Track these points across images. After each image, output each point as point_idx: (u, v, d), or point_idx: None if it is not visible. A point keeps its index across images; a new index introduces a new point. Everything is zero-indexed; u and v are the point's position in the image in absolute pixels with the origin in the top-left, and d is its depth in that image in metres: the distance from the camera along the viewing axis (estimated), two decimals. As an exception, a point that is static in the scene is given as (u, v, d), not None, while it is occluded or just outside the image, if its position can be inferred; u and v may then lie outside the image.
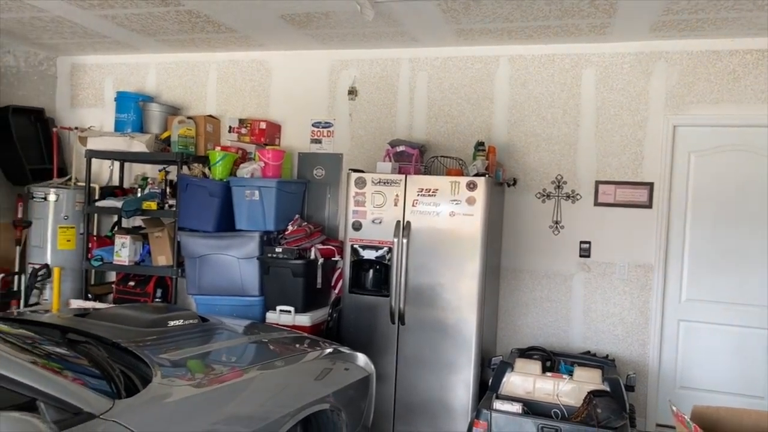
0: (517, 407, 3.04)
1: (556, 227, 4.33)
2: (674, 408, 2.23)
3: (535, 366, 3.41)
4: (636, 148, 4.18)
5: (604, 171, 4.24)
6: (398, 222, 3.84)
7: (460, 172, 3.93)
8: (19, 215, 5.05)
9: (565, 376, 3.32)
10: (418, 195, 3.80)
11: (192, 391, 2.01)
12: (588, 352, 4.06)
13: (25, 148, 5.01)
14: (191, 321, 2.87)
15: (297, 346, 2.98)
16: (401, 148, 4.18)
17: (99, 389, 1.74)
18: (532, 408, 3.18)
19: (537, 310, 4.38)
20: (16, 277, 4.89)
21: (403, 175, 3.86)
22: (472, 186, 3.70)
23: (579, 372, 3.35)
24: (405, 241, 3.81)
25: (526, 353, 3.78)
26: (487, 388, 3.56)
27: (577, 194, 4.29)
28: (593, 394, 3.00)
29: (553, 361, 3.69)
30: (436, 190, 3.77)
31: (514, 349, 4.03)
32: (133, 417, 1.69)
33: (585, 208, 4.27)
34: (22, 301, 4.74)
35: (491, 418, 2.98)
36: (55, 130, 5.28)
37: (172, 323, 2.74)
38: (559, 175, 4.32)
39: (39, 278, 4.81)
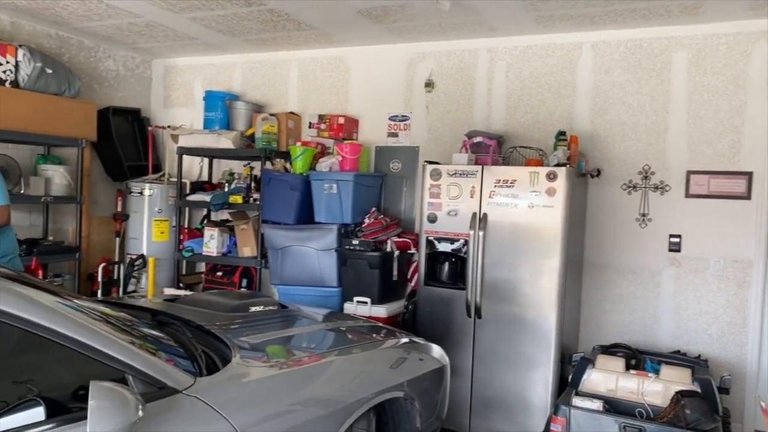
0: (597, 404, 2.92)
1: (643, 220, 4.12)
2: (763, 403, 2.07)
3: (619, 363, 3.26)
4: (733, 136, 3.90)
5: (697, 160, 3.99)
6: (474, 214, 3.79)
7: (540, 163, 3.82)
8: (119, 209, 5.43)
9: (650, 374, 3.16)
10: (496, 186, 3.74)
11: (269, 372, 2.08)
12: (677, 352, 3.83)
13: (123, 146, 5.37)
14: (271, 307, 2.98)
15: (373, 335, 3.02)
16: (478, 139, 4.12)
17: (182, 367, 1.84)
18: (613, 406, 3.04)
19: (622, 306, 4.19)
20: (115, 266, 5.26)
21: (480, 166, 3.81)
22: (552, 176, 3.59)
23: (666, 371, 3.17)
24: (481, 233, 3.76)
25: (609, 350, 3.62)
26: (566, 385, 3.45)
27: (666, 185, 4.06)
28: (681, 394, 2.83)
29: (638, 360, 3.51)
30: (515, 181, 3.69)
31: (596, 345, 3.88)
32: (213, 393, 1.78)
33: (675, 200, 4.04)
34: (120, 289, 5.09)
35: (570, 414, 2.88)
36: (150, 128, 5.63)
37: (253, 309, 2.86)
38: (647, 165, 4.11)
39: (136, 268, 5.15)
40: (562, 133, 4.00)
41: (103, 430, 1.34)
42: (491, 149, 4.06)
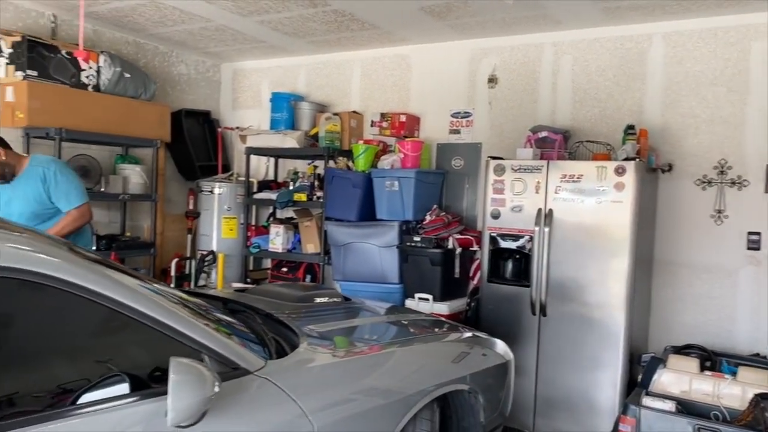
0: (669, 405, 2.81)
1: (719, 216, 3.94)
2: None
3: (692, 364, 3.13)
4: (819, 127, 3.67)
5: (778, 153, 3.78)
6: (539, 210, 3.73)
7: (608, 157, 3.73)
8: (190, 207, 5.66)
9: (727, 376, 3.01)
10: (561, 181, 3.67)
11: (334, 360, 2.13)
12: (757, 355, 3.64)
13: (195, 147, 5.60)
14: (335, 299, 3.04)
15: (435, 329, 3.02)
16: (543, 134, 4.05)
17: (253, 350, 1.91)
18: (686, 408, 2.92)
19: (695, 307, 4.01)
20: (187, 261, 5.49)
21: (545, 161, 3.74)
22: (620, 171, 3.49)
23: (744, 373, 3.02)
24: (547, 229, 3.70)
25: (682, 351, 3.48)
26: (635, 387, 3.34)
27: (745, 180, 3.87)
28: (761, 397, 2.69)
29: (713, 361, 3.36)
30: (581, 176, 3.61)
31: (668, 346, 3.74)
32: (282, 376, 1.84)
33: (754, 196, 3.84)
34: (192, 283, 5.30)
35: (640, 414, 2.79)
36: (219, 130, 5.85)
37: (318, 300, 2.93)
38: (723, 160, 3.93)
39: (206, 263, 5.36)
40: (630, 127, 3.88)
41: (183, 403, 1.41)
42: (557, 144, 3.99)
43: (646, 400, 2.87)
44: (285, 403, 1.78)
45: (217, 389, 1.47)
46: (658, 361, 3.21)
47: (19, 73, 4.16)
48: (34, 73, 4.19)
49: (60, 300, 1.57)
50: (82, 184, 3.65)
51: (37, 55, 4.21)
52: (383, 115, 4.98)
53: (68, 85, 4.39)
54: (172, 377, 1.41)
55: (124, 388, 1.55)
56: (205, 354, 1.68)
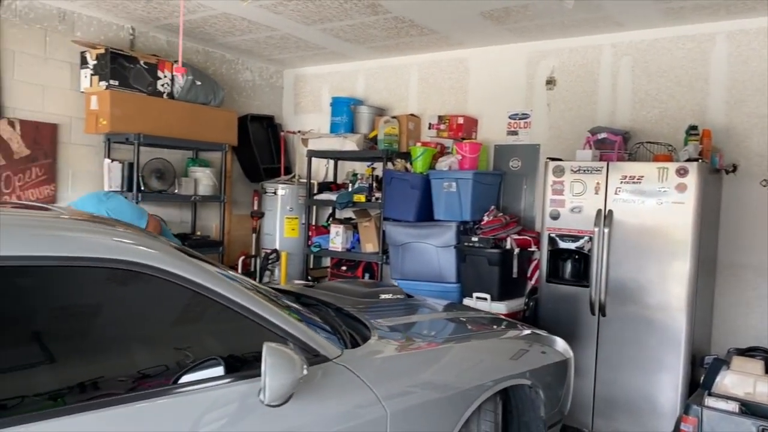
0: (733, 406, 2.81)
1: (787, 218, 3.86)
2: None
3: (757, 365, 3.10)
4: None
5: None
6: (599, 211, 3.76)
7: (669, 158, 3.72)
8: (255, 207, 5.92)
9: (795, 379, 2.97)
10: (621, 182, 3.68)
11: (404, 351, 2.26)
12: (827, 360, 3.55)
13: (259, 150, 5.85)
14: (399, 296, 3.17)
15: (494, 326, 3.11)
16: (603, 135, 4.07)
17: (330, 340, 2.06)
18: (751, 409, 2.90)
19: (761, 309, 3.94)
20: (252, 259, 5.74)
21: (605, 162, 3.77)
22: (682, 172, 3.48)
23: (813, 377, 2.97)
24: (606, 230, 3.72)
25: (746, 353, 3.44)
26: (697, 388, 3.33)
27: (814, 181, 3.78)
28: (831, 401, 2.66)
29: (780, 364, 3.31)
30: (642, 177, 3.62)
31: (731, 348, 3.69)
32: (358, 365, 1.98)
33: (824, 197, 3.75)
34: (257, 280, 5.54)
35: (702, 414, 2.80)
36: (282, 134, 6.09)
37: (382, 296, 3.06)
38: (791, 160, 3.85)
39: (270, 261, 5.59)
40: (693, 128, 3.85)
41: (277, 383, 1.57)
42: (616, 145, 4.00)
43: (709, 401, 2.87)
44: (361, 389, 1.91)
45: (305, 372, 1.62)
46: (721, 363, 3.19)
47: (103, 83, 4.48)
48: (116, 83, 4.50)
49: (160, 289, 1.75)
50: (131, 203, 3.82)
51: (119, 65, 4.52)
52: (441, 118, 5.08)
53: (146, 93, 4.70)
54: (268, 360, 1.57)
55: (219, 370, 1.71)
56: (290, 341, 1.84)
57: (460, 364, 2.41)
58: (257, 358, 1.73)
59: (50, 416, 1.43)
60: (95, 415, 1.48)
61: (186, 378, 1.70)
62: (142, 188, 4.75)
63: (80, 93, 4.64)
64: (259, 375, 1.67)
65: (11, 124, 4.26)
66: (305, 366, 1.64)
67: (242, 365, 1.77)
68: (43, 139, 4.45)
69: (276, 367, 1.57)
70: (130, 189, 4.72)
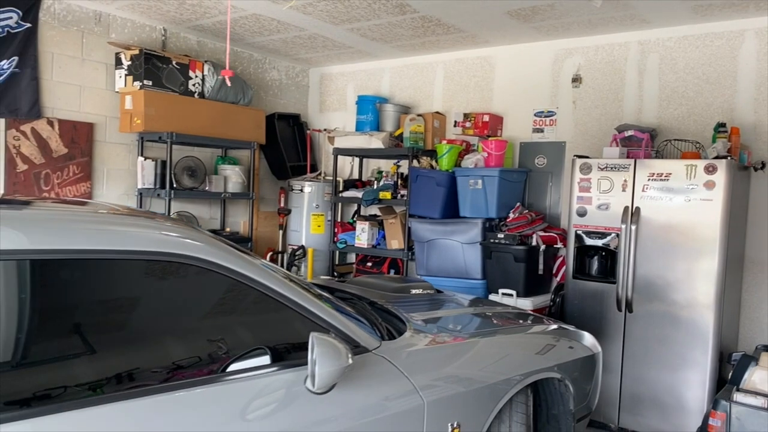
0: (762, 401, 2.83)
1: (817, 215, 3.85)
2: None
3: (787, 363, 3.11)
4: None
5: None
6: (626, 208, 3.78)
7: (697, 156, 3.73)
8: (282, 204, 6.02)
9: (825, 376, 2.98)
10: (649, 180, 3.70)
11: (438, 344, 2.33)
12: None
13: (286, 148, 5.95)
14: (429, 291, 3.24)
15: (520, 321, 3.15)
16: (630, 133, 4.09)
17: (369, 332, 2.14)
18: (781, 405, 2.92)
19: (790, 307, 3.94)
20: (279, 255, 5.85)
21: (632, 160, 3.79)
22: (710, 169, 3.49)
23: (844, 374, 2.98)
24: (634, 227, 3.74)
25: (776, 350, 3.45)
26: (725, 385, 3.34)
27: None
28: None
29: (810, 362, 3.31)
30: (669, 174, 3.63)
31: (759, 345, 3.69)
32: (395, 356, 2.05)
33: None
34: (284, 276, 5.64)
35: (731, 410, 2.83)
36: (308, 132, 6.18)
37: (413, 291, 3.13)
38: (821, 157, 3.83)
39: (296, 257, 5.70)
40: (721, 125, 3.86)
41: (325, 371, 1.64)
42: (644, 143, 4.02)
43: (738, 396, 2.89)
44: (399, 379, 1.99)
45: (350, 361, 1.70)
46: (750, 359, 3.20)
47: (137, 83, 4.61)
48: (149, 83, 4.63)
49: (209, 280, 1.83)
50: None
51: (152, 66, 4.65)
52: (466, 116, 5.13)
53: (178, 92, 4.82)
54: (316, 349, 1.64)
55: (266, 359, 1.80)
56: (332, 332, 1.91)
57: (492, 358, 2.47)
58: (301, 348, 1.82)
59: (116, 399, 1.52)
60: (153, 400, 1.57)
61: (234, 366, 1.78)
62: (174, 185, 4.87)
63: (115, 93, 4.77)
64: (304, 364, 1.75)
65: (50, 123, 4.41)
66: (350, 355, 1.71)
67: (287, 354, 1.85)
68: (80, 137, 4.59)
69: (324, 355, 1.65)
70: (162, 186, 4.84)
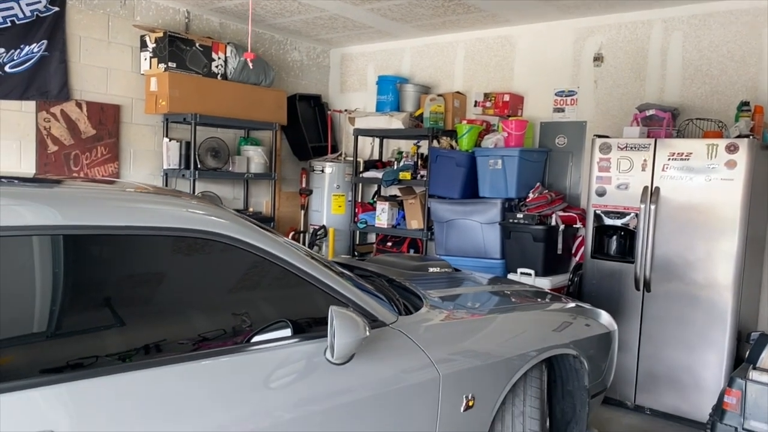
0: (778, 380, 2.84)
1: (842, 195, 3.80)
2: None
3: (805, 342, 3.11)
4: None
5: None
6: (646, 188, 3.78)
7: (719, 135, 3.70)
8: (303, 185, 6.11)
9: (843, 356, 2.98)
10: (669, 159, 3.69)
11: (454, 320, 2.39)
12: None
13: (307, 129, 6.01)
14: (446, 269, 3.30)
15: (537, 299, 3.20)
16: (651, 112, 4.06)
17: (386, 307, 2.21)
18: (797, 384, 2.93)
19: (812, 288, 3.92)
20: (301, 235, 5.95)
21: (653, 139, 3.77)
22: (732, 149, 3.47)
23: None
24: (653, 207, 3.74)
25: (795, 331, 3.44)
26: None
27: None
28: None
29: (829, 342, 3.30)
30: (690, 153, 3.62)
31: (779, 325, 3.70)
32: (412, 330, 2.12)
33: None
34: (306, 255, 5.74)
35: (746, 387, 2.85)
36: (329, 112, 6.23)
37: (431, 269, 3.20)
38: None
39: (318, 237, 5.79)
40: (745, 104, 3.81)
41: (343, 342, 1.72)
42: (665, 122, 3.99)
43: (754, 374, 2.91)
44: (416, 352, 2.06)
45: (368, 333, 1.77)
46: (767, 338, 3.21)
47: (162, 65, 4.70)
48: (173, 65, 4.71)
49: (233, 256, 1.91)
50: None
51: (176, 48, 4.73)
52: (486, 95, 5.13)
53: (201, 74, 4.90)
54: (335, 322, 1.72)
55: (287, 331, 1.88)
56: (351, 306, 1.99)
57: (507, 334, 2.53)
58: (321, 322, 1.89)
59: (145, 366, 1.61)
60: (182, 368, 1.66)
61: (258, 338, 1.86)
62: (199, 166, 4.98)
63: (141, 75, 4.87)
64: (323, 336, 1.82)
65: (79, 105, 4.53)
66: (368, 328, 1.79)
67: (308, 328, 1.93)
68: (107, 119, 4.71)
69: (342, 328, 1.72)
70: (187, 167, 4.95)
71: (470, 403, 2.19)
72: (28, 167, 4.30)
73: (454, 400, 2.14)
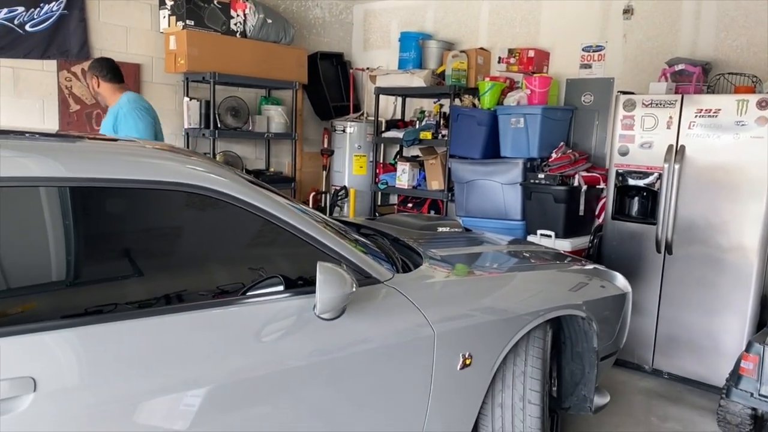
0: (798, 346, 2.74)
1: None
2: None
3: (831, 308, 2.98)
4: None
5: None
6: (670, 146, 3.62)
7: (752, 90, 3.50)
8: (325, 145, 6.08)
9: None
10: (696, 116, 3.52)
11: (453, 279, 2.37)
12: None
13: (329, 88, 5.95)
14: (456, 229, 3.25)
15: (556, 262, 3.13)
16: (680, 67, 3.86)
17: (383, 265, 2.19)
18: (819, 350, 2.82)
19: None
20: (322, 195, 5.96)
21: (680, 95, 3.60)
22: (763, 104, 3.28)
23: None
24: (677, 166, 3.59)
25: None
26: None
27: None
28: None
29: None
30: (718, 110, 3.43)
31: (806, 291, 3.55)
32: (408, 288, 2.10)
33: None
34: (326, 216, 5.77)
35: (764, 352, 2.75)
36: (351, 71, 6.14)
37: (440, 229, 3.16)
38: None
39: (339, 197, 5.79)
40: (782, 57, 3.59)
41: (327, 296, 1.71)
42: (695, 77, 3.79)
43: (773, 340, 2.81)
44: (409, 309, 2.04)
45: (354, 289, 1.76)
46: (793, 304, 3.09)
47: (180, 23, 4.68)
48: (191, 23, 4.69)
49: (228, 213, 1.91)
50: (151, 127, 3.58)
51: (193, 5, 4.69)
52: (511, 51, 4.96)
53: (220, 32, 4.87)
54: (319, 276, 1.71)
55: (280, 287, 1.88)
56: (343, 263, 1.97)
57: (511, 293, 2.49)
58: (314, 280, 1.89)
59: (141, 315, 1.64)
60: (177, 317, 1.68)
61: (252, 292, 1.87)
62: (219, 125, 4.99)
63: (160, 33, 4.87)
64: (314, 292, 1.82)
65: (99, 64, 4.56)
66: (354, 284, 1.77)
67: (301, 284, 1.93)
68: (127, 78, 4.70)
69: (327, 282, 1.71)
70: (207, 126, 4.97)
71: (467, 362, 2.17)
72: (51, 126, 4.39)
73: (450, 358, 2.12)
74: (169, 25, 4.75)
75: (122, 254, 1.83)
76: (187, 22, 4.65)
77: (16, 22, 4.11)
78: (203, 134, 4.97)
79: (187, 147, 5.11)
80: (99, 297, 1.69)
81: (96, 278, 1.77)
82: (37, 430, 1.42)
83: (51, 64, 4.34)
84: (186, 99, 5.00)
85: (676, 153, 3.59)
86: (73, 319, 1.57)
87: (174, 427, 1.61)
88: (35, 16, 4.18)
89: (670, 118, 3.60)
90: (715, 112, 3.44)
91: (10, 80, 4.19)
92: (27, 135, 1.97)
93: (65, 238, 1.69)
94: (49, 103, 4.38)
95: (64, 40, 4.32)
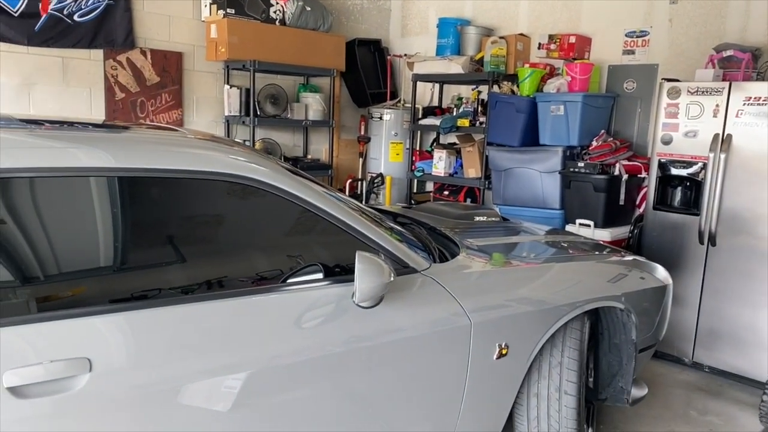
0: None
1: None
2: None
3: None
4: None
5: None
6: (716, 135, 3.52)
7: (804, 78, 3.37)
8: (361, 132, 6.11)
9: None
10: (744, 104, 3.41)
11: (488, 268, 2.37)
12: None
13: (366, 75, 5.96)
14: (494, 219, 3.24)
15: (595, 253, 3.10)
16: (729, 53, 3.74)
17: (420, 254, 2.21)
18: None
19: None
20: (359, 182, 5.99)
21: (727, 83, 3.49)
22: (817, 92, 3.16)
23: None
24: (723, 156, 3.49)
25: None
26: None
27: None
28: None
29: None
30: (768, 98, 3.32)
31: None
32: (445, 278, 2.12)
33: None
34: (363, 202, 5.81)
35: (810, 349, 2.68)
36: (389, 57, 6.13)
37: (477, 218, 3.15)
38: None
39: (375, 184, 5.82)
40: (839, 42, 3.43)
41: (366, 285, 1.75)
42: (743, 63, 3.66)
43: (821, 337, 2.73)
44: (446, 299, 2.06)
45: (392, 278, 1.79)
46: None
47: (221, 12, 4.75)
48: (232, 11, 4.75)
49: (269, 202, 1.95)
50: None
51: (234, -6, 4.75)
52: (551, 37, 4.87)
53: (259, 20, 4.92)
54: (358, 266, 1.74)
55: (319, 275, 1.92)
56: (381, 252, 2.00)
57: (546, 283, 2.47)
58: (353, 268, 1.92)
59: (185, 301, 1.71)
60: (220, 303, 1.74)
61: (291, 280, 1.92)
62: (258, 113, 5.06)
63: (201, 22, 4.95)
64: (353, 280, 1.85)
65: (143, 53, 4.68)
66: (392, 273, 1.80)
67: (340, 272, 1.97)
68: (170, 66, 4.85)
69: (365, 272, 1.75)
70: (247, 114, 5.05)
71: (503, 351, 2.18)
72: (98, 114, 4.53)
73: (486, 348, 2.14)
74: (210, 14, 4.83)
75: (166, 241, 1.89)
76: (228, 10, 4.72)
77: (65, 12, 4.24)
78: (243, 122, 5.05)
79: (227, 134, 5.21)
80: (144, 282, 1.76)
81: (141, 264, 1.83)
82: (94, 407, 1.50)
83: (98, 54, 4.47)
84: (226, 87, 5.09)
85: (723, 142, 3.49)
86: (122, 304, 1.64)
87: (216, 407, 1.68)
88: (83, 6, 4.30)
89: (717, 106, 3.50)
90: (765, 100, 3.33)
91: (59, 70, 4.34)
92: (77, 126, 2.05)
93: (113, 225, 1.75)
94: (96, 91, 4.52)
95: (110, 29, 4.44)
